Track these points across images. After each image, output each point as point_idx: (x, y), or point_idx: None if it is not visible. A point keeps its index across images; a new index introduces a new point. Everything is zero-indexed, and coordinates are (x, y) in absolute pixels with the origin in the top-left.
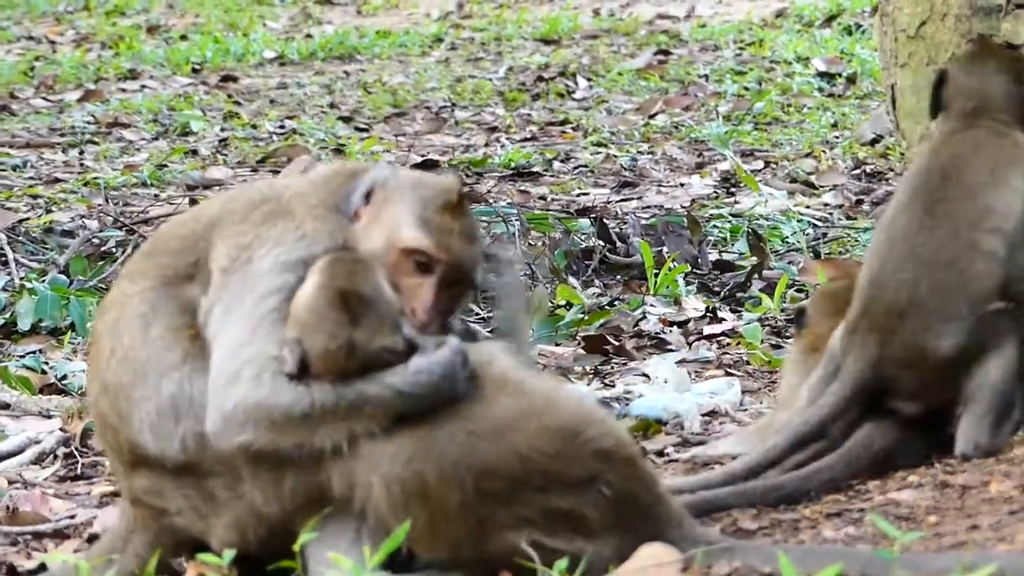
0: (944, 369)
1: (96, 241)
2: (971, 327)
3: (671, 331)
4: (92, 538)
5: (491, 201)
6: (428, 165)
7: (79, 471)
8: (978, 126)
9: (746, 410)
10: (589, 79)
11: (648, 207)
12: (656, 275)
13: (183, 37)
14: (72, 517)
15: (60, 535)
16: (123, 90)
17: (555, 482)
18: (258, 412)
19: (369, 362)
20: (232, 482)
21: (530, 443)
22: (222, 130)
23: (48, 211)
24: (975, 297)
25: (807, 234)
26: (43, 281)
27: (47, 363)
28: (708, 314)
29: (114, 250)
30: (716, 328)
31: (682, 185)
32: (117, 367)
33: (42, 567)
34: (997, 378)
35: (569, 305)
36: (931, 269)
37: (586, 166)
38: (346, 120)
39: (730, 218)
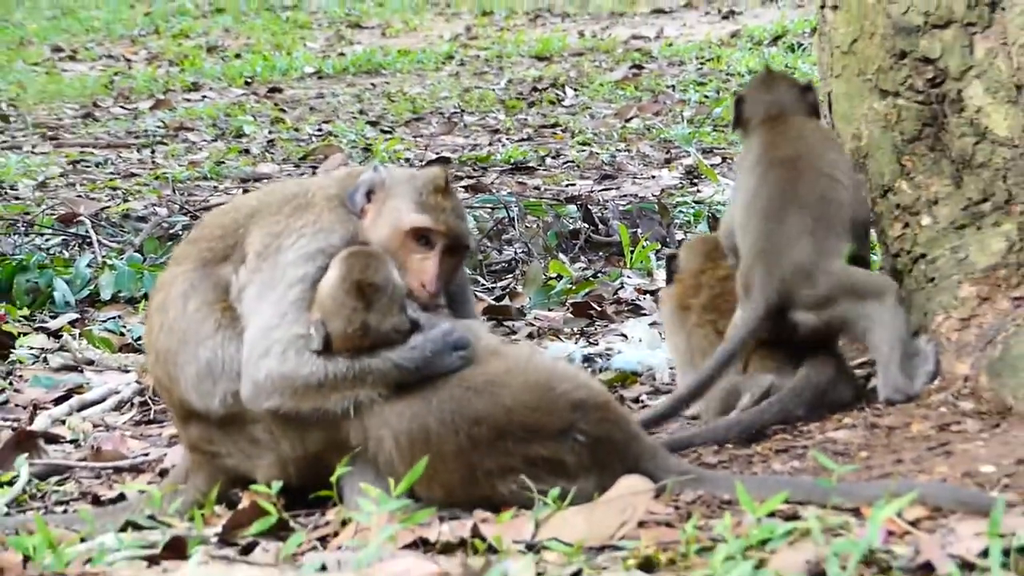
0: (828, 285)
1: (165, 225)
2: (836, 248)
3: (645, 298)
4: (163, 472)
5: (494, 191)
6: (441, 161)
7: (152, 416)
8: (787, 122)
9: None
10: (575, 89)
11: (625, 196)
12: (632, 252)
13: (237, 56)
14: (146, 455)
15: (136, 470)
16: (187, 100)
17: (535, 432)
18: (283, 382)
19: (379, 341)
20: (271, 428)
21: (514, 397)
22: (270, 133)
23: (125, 200)
24: (836, 230)
25: None
26: (121, 259)
27: (125, 327)
28: None
29: (180, 233)
30: None
31: (653, 177)
32: (164, 338)
33: (121, 496)
34: (889, 328)
35: (559, 277)
36: (802, 214)
37: (573, 161)
38: (373, 124)
39: (694, 204)
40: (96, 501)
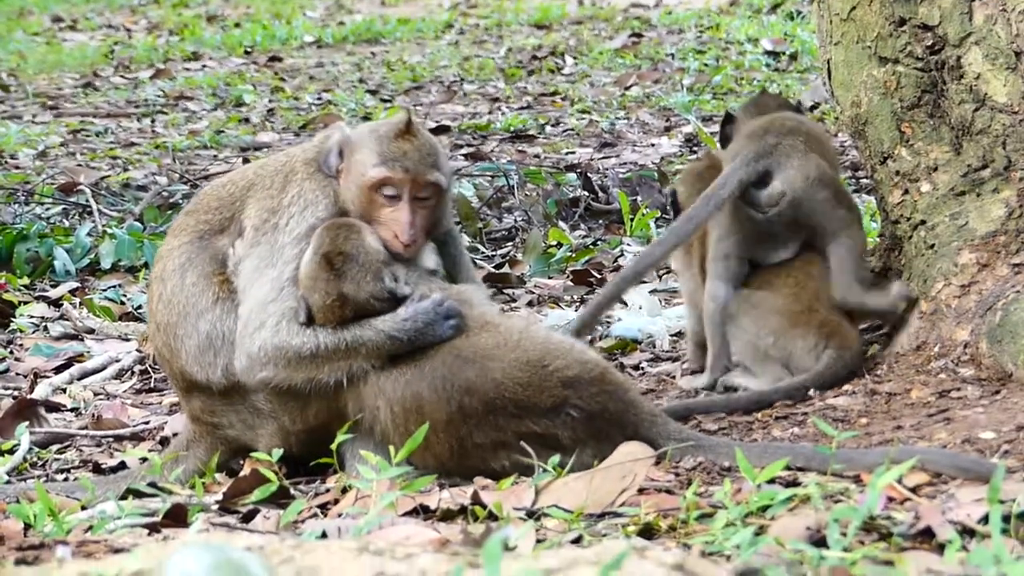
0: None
1: (165, 194)
2: None
3: None
4: (164, 440)
5: (494, 159)
6: (441, 130)
7: (152, 384)
8: None
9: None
10: (575, 57)
11: (625, 163)
12: (632, 219)
13: (237, 25)
14: (147, 423)
15: (137, 438)
16: (187, 69)
17: (526, 409)
18: (276, 353)
19: (360, 309)
20: (273, 397)
21: (504, 372)
22: (269, 102)
23: (125, 169)
24: None
25: None
26: (121, 227)
27: (125, 295)
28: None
29: (180, 202)
30: None
31: (653, 145)
32: (163, 309)
33: (122, 464)
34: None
35: (559, 245)
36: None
37: (572, 129)
38: (373, 93)
39: None
40: (97, 469)
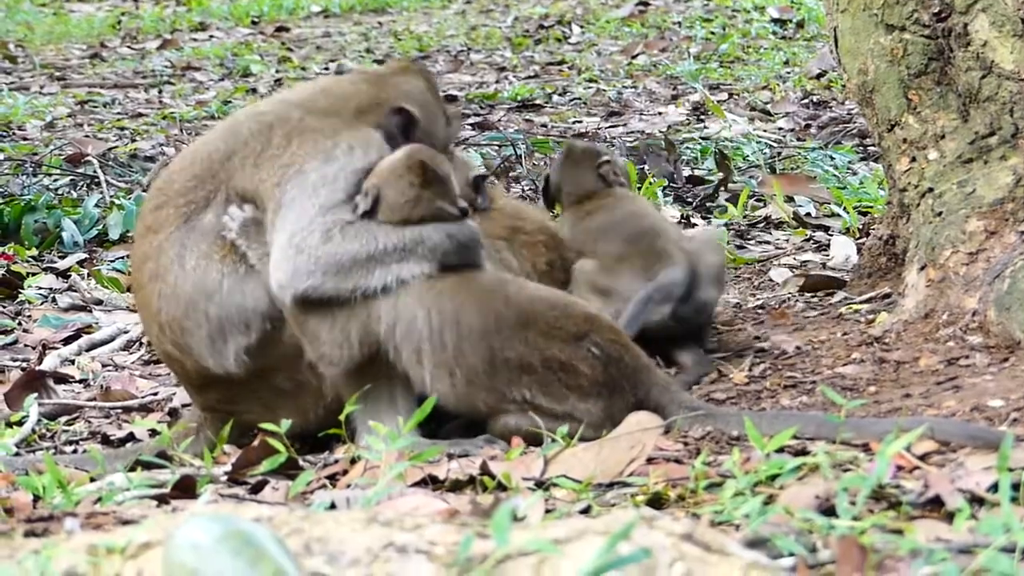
0: None
1: None
2: None
3: None
4: (172, 412)
5: (501, 128)
6: (448, 99)
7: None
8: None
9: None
10: (582, 26)
11: (632, 132)
12: (639, 188)
13: None
14: (155, 394)
15: (145, 409)
16: (194, 39)
17: (555, 330)
18: (327, 260)
19: (427, 219)
20: (292, 372)
21: (538, 289)
22: (277, 72)
23: (133, 140)
24: None
25: (764, 153)
26: (129, 198)
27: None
28: (683, 220)
29: None
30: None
31: (660, 114)
32: (167, 306)
33: (130, 436)
34: None
35: None
36: None
37: (580, 99)
38: (379, 63)
39: (700, 141)
40: (105, 440)
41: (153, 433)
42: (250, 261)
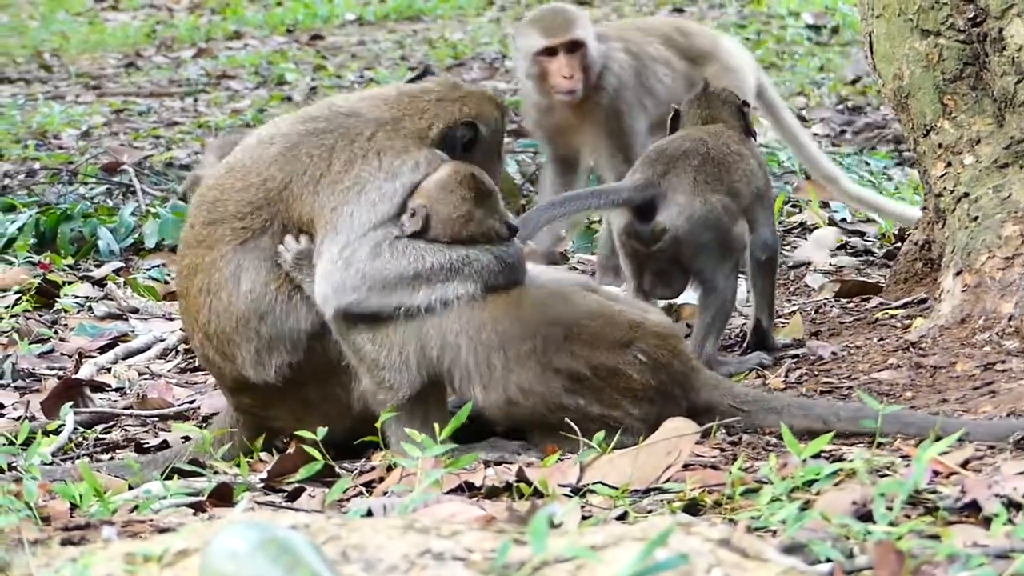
0: None
1: None
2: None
3: None
4: (206, 419)
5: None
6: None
7: (196, 364)
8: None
9: (750, 305)
10: None
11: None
12: None
13: (278, 3)
14: (191, 402)
15: (181, 417)
16: (229, 48)
17: (599, 338)
18: (373, 276)
19: (478, 237)
20: (323, 385)
21: (581, 303)
22: (312, 80)
23: (168, 149)
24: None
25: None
26: (165, 207)
27: (169, 275)
28: None
29: None
30: None
31: None
32: (217, 320)
33: (165, 444)
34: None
35: (601, 220)
36: None
37: None
38: (414, 70)
39: None
40: (139, 449)
41: (186, 439)
42: (305, 292)
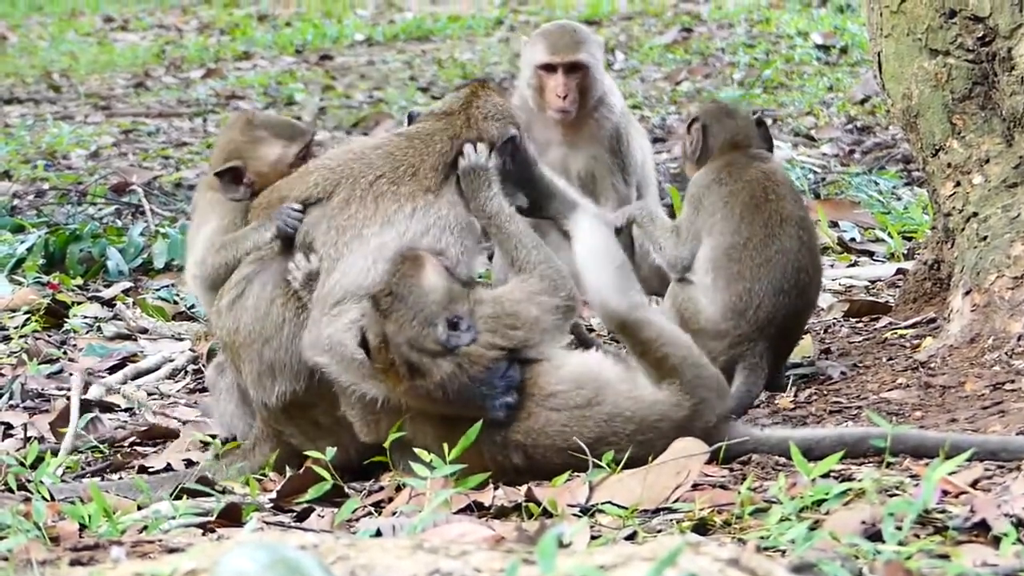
0: None
1: None
2: None
3: None
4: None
5: None
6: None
7: (205, 384)
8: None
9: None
10: (625, 53)
11: (676, 159)
12: None
13: (287, 24)
14: (202, 422)
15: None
16: (238, 68)
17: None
18: (338, 349)
19: (404, 356)
20: (332, 410)
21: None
22: (321, 100)
23: (177, 169)
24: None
25: (809, 178)
26: (174, 227)
27: (178, 295)
28: None
29: None
30: None
31: None
32: (237, 329)
33: (168, 468)
34: None
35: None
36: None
37: None
38: (423, 90)
39: None
40: (142, 470)
41: (189, 464)
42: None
